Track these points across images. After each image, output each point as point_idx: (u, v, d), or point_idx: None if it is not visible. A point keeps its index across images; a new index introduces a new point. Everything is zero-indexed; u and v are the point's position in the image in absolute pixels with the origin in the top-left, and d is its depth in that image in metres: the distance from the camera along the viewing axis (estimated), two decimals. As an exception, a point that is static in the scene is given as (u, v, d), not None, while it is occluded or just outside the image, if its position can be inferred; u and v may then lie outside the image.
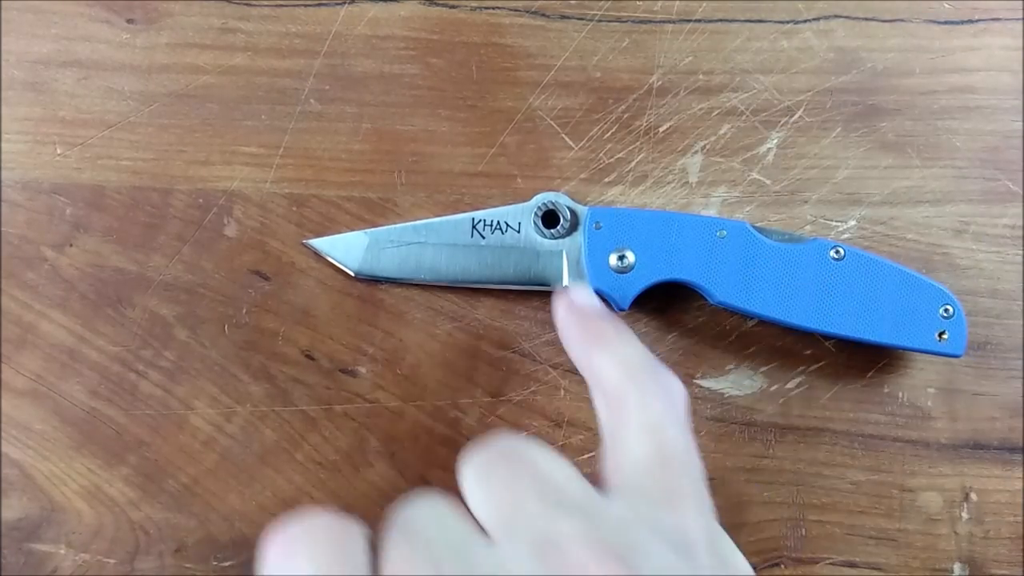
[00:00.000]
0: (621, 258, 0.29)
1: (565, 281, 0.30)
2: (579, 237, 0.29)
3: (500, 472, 0.21)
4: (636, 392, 0.23)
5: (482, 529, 0.20)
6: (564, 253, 0.30)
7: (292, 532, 0.20)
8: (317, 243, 0.30)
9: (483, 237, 0.30)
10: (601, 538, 0.19)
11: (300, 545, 0.20)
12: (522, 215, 0.30)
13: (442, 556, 0.19)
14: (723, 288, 0.28)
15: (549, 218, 0.30)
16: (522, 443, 0.22)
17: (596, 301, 0.26)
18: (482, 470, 0.21)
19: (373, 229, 0.30)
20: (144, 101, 0.31)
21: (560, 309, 0.26)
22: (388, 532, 0.20)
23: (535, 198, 0.30)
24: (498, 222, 0.30)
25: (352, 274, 0.30)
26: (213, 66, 0.32)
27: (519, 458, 0.21)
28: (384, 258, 0.30)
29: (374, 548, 0.20)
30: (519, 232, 0.30)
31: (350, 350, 0.30)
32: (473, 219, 0.30)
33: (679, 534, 0.20)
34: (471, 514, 0.21)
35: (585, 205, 0.30)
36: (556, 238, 0.30)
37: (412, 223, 0.30)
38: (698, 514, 0.21)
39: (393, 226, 0.30)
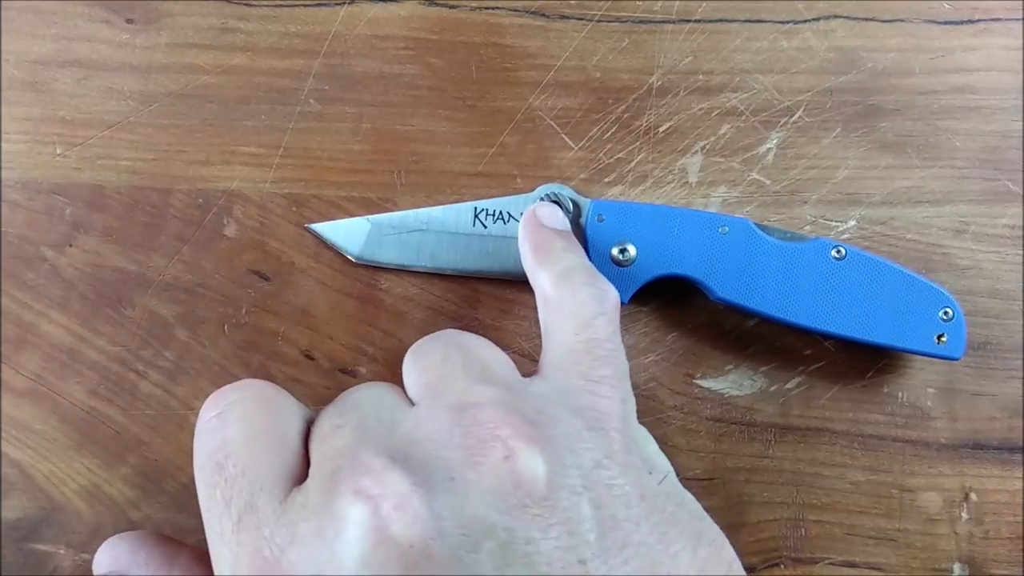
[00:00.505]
0: (622, 251, 0.29)
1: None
2: (581, 229, 0.29)
3: (433, 353, 0.22)
4: (570, 291, 0.24)
5: (412, 404, 0.21)
6: None
7: (226, 395, 0.21)
8: (319, 227, 0.31)
9: (485, 226, 0.30)
10: (515, 404, 0.20)
11: (233, 407, 0.20)
12: (524, 205, 0.30)
13: (367, 421, 0.20)
14: (724, 284, 0.28)
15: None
16: (460, 332, 0.23)
17: (557, 218, 0.28)
18: (418, 352, 0.23)
19: (375, 216, 0.30)
20: (144, 101, 0.31)
21: (521, 225, 0.28)
22: (325, 408, 0.21)
23: (538, 188, 0.30)
24: (500, 212, 0.30)
25: (352, 259, 0.30)
26: (213, 66, 0.32)
27: (453, 341, 0.23)
28: (385, 245, 0.30)
29: (310, 425, 0.21)
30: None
31: (350, 350, 0.30)
32: (475, 208, 0.30)
33: (593, 412, 0.21)
34: (407, 396, 0.22)
35: (588, 198, 0.30)
36: None
37: (414, 211, 0.30)
38: (617, 401, 0.21)
39: (395, 213, 0.30)
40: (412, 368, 0.22)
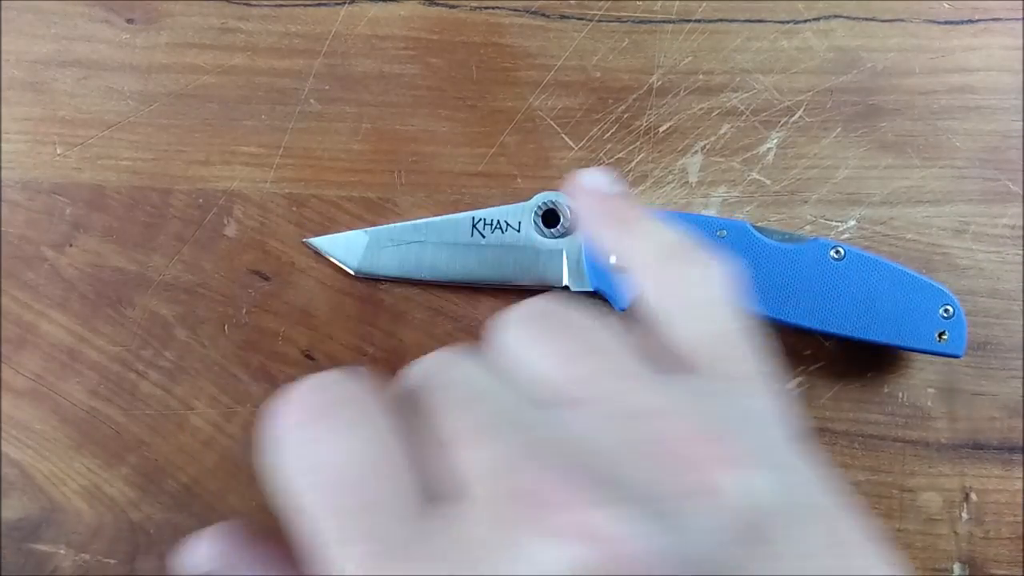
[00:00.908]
0: (621, 258, 0.29)
1: (565, 280, 0.30)
2: (579, 237, 0.29)
3: (569, 342, 0.18)
4: (684, 270, 0.20)
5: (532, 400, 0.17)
6: (564, 253, 0.30)
7: (307, 397, 0.16)
8: (317, 242, 0.30)
9: (483, 236, 0.30)
10: (701, 413, 0.16)
11: (325, 411, 0.16)
12: (522, 214, 0.30)
13: (502, 423, 0.16)
14: (723, 288, 0.28)
15: (549, 217, 0.30)
16: (575, 310, 0.19)
17: (611, 182, 0.23)
18: (537, 335, 0.18)
19: (373, 228, 0.30)
20: (144, 101, 0.31)
21: (577, 196, 0.23)
22: (422, 394, 0.17)
23: (535, 197, 0.30)
24: (498, 221, 0.30)
25: (352, 273, 0.30)
26: (213, 66, 0.32)
27: (587, 325, 0.18)
28: (384, 257, 0.30)
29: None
30: (519, 231, 0.30)
31: (350, 350, 0.30)
32: (473, 218, 0.30)
33: (772, 414, 0.18)
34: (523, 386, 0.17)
35: (585, 205, 0.30)
36: (556, 237, 0.30)
37: (412, 222, 0.30)
38: (779, 398, 0.18)
39: (393, 225, 0.30)
40: (540, 356, 0.17)
